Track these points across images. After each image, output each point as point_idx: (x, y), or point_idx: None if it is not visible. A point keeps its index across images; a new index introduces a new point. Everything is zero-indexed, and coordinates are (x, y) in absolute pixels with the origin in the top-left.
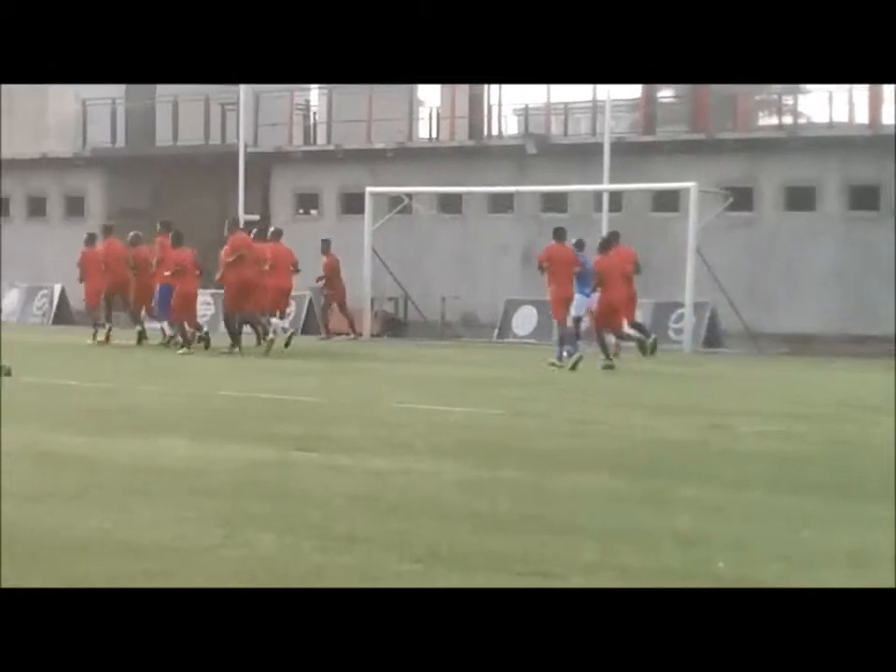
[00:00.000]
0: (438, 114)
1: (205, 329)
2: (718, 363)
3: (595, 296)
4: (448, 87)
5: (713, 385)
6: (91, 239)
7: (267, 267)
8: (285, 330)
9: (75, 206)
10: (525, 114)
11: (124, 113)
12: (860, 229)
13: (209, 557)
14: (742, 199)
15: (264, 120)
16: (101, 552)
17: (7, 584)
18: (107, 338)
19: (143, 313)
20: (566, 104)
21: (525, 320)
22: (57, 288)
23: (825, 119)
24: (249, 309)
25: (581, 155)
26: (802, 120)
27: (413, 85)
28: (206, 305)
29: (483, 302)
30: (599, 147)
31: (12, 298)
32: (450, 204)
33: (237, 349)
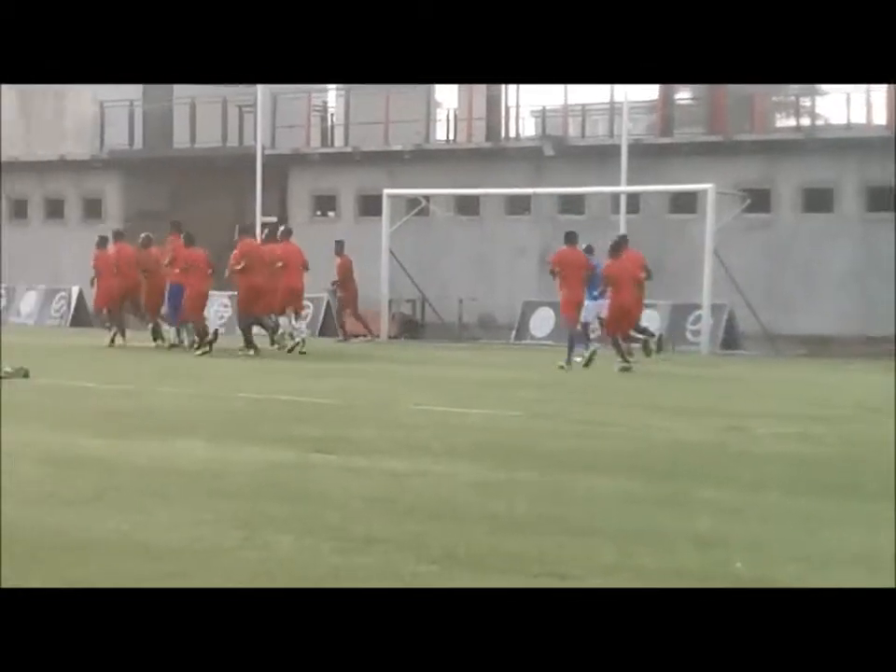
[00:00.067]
0: (455, 116)
1: (215, 329)
2: (735, 365)
3: (604, 301)
4: (465, 88)
5: (731, 387)
6: (102, 241)
7: (280, 265)
8: (292, 337)
9: (92, 208)
10: (543, 115)
11: (142, 115)
12: (877, 230)
13: (227, 559)
14: (759, 200)
15: (282, 122)
16: (119, 553)
17: (24, 585)
18: (112, 341)
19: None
20: (583, 105)
21: (542, 322)
22: (75, 290)
23: (843, 121)
24: (259, 312)
25: (599, 157)
26: (819, 122)
27: (431, 87)
28: (224, 307)
29: (501, 304)
30: (617, 148)
31: (30, 300)
32: (467, 206)
33: (252, 351)
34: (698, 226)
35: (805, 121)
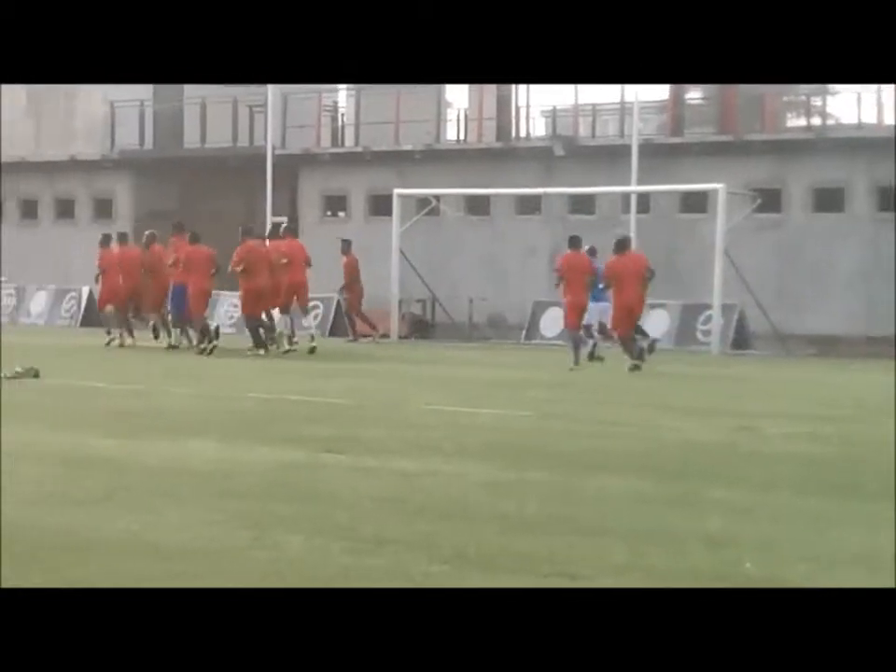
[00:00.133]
0: (465, 116)
1: (215, 325)
2: (746, 365)
3: (607, 304)
4: (476, 88)
5: (741, 387)
6: (105, 240)
7: (285, 261)
8: (290, 341)
9: (103, 208)
10: (553, 115)
11: (152, 115)
12: (888, 230)
13: (238, 559)
14: (770, 200)
15: (292, 122)
16: (129, 553)
17: (33, 585)
18: (109, 343)
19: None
20: (593, 105)
21: (552, 322)
22: (85, 291)
23: (854, 121)
24: (263, 310)
25: (609, 156)
26: (830, 122)
27: (441, 87)
28: (234, 307)
29: (511, 304)
30: (627, 148)
31: (40, 300)
32: (478, 206)
33: (262, 351)
34: (709, 226)
35: (816, 121)
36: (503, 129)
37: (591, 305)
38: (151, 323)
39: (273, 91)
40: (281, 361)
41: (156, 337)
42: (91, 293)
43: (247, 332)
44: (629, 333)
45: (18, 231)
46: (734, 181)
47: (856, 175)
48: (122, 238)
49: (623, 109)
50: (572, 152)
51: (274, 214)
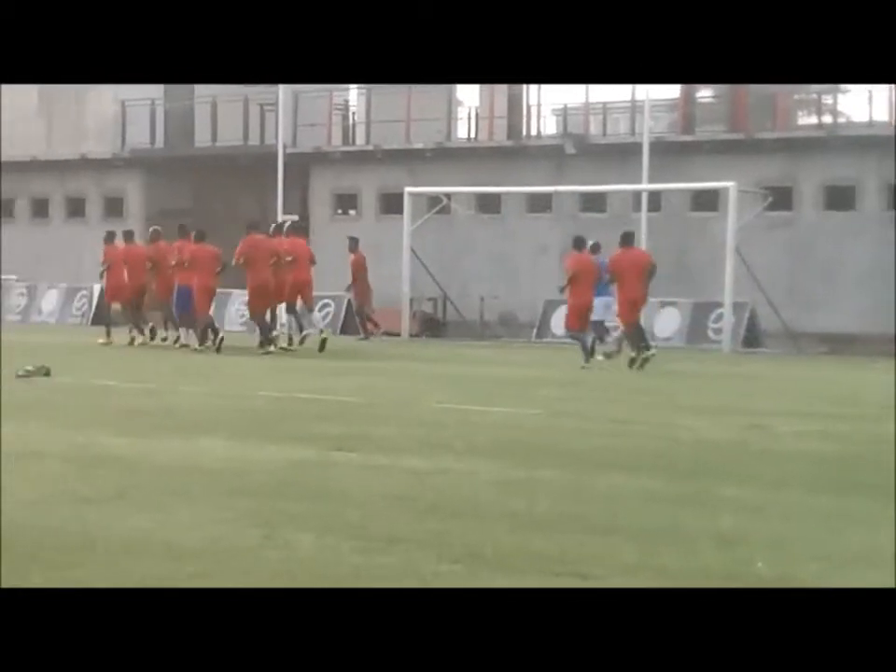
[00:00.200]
0: (476, 114)
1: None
2: (757, 363)
3: (610, 298)
4: (487, 87)
5: (752, 385)
6: (109, 237)
7: (290, 259)
8: (291, 342)
9: (114, 207)
10: (564, 114)
11: (163, 114)
12: None
13: (248, 558)
14: (781, 198)
15: (303, 121)
16: (141, 552)
17: (42, 585)
18: (133, 340)
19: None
20: (604, 104)
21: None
22: (96, 289)
23: (865, 119)
24: (270, 306)
25: (620, 155)
26: (841, 119)
27: (452, 85)
28: (245, 306)
29: (522, 302)
30: (638, 146)
31: (51, 299)
32: (488, 204)
33: (272, 347)
34: (720, 224)
35: (827, 119)
36: (514, 127)
37: (595, 301)
38: (150, 324)
39: (283, 90)
40: (291, 359)
41: (151, 338)
42: (102, 292)
43: (257, 330)
44: (634, 325)
45: (29, 229)
46: (745, 179)
47: (867, 172)
48: (128, 236)
49: (634, 107)
50: (583, 150)
51: (285, 212)
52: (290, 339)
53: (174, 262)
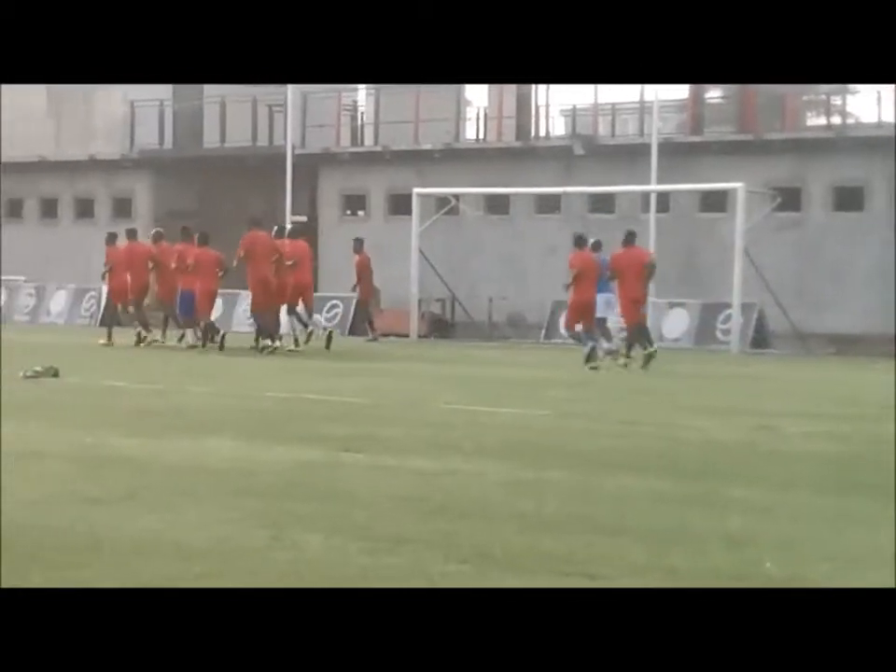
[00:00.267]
0: (485, 115)
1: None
2: (765, 364)
3: (611, 295)
4: (495, 87)
5: (761, 386)
6: (111, 238)
7: (290, 263)
8: (297, 342)
9: (122, 208)
10: (573, 115)
11: (172, 114)
12: None
13: (256, 558)
14: (790, 199)
15: (312, 122)
16: (149, 553)
17: (55, 586)
18: (150, 340)
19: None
20: (613, 104)
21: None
22: (105, 290)
23: (874, 119)
24: (271, 306)
25: (629, 155)
26: (850, 120)
27: (461, 86)
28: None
29: (531, 303)
30: (647, 147)
31: (60, 299)
32: (497, 205)
33: (276, 343)
34: (728, 225)
35: (836, 120)
36: (523, 128)
37: (598, 297)
38: (137, 330)
39: (292, 91)
40: (299, 360)
41: (137, 342)
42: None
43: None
44: (638, 325)
45: (38, 230)
46: (753, 180)
47: (876, 173)
48: (131, 234)
49: (643, 108)
50: (592, 151)
51: (294, 213)
52: (296, 340)
53: (174, 265)
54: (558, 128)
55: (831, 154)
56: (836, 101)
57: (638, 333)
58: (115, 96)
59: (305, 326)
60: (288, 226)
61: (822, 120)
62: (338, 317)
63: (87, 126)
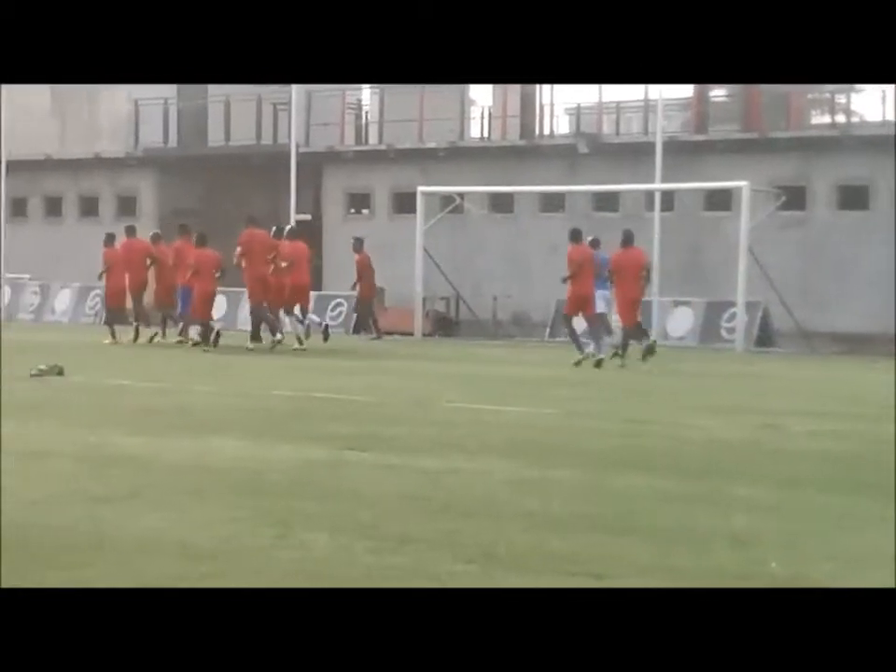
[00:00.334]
0: (489, 113)
1: (216, 328)
2: (770, 362)
3: (607, 293)
4: (500, 86)
5: (765, 385)
6: (109, 239)
7: (285, 264)
8: (301, 342)
9: (127, 206)
10: (577, 113)
11: (176, 113)
12: None
13: (261, 557)
14: (794, 198)
15: (316, 120)
16: (154, 552)
17: (61, 585)
18: (136, 337)
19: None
20: (617, 103)
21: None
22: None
23: (878, 118)
24: (269, 304)
25: (633, 154)
26: (855, 119)
27: (465, 85)
28: None
29: (535, 301)
30: (651, 146)
31: (64, 298)
32: (501, 204)
33: (279, 336)
34: (733, 223)
35: (841, 118)
36: (527, 126)
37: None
38: (136, 324)
39: (296, 89)
40: (304, 359)
41: (135, 339)
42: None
43: (266, 332)
44: (634, 323)
45: (42, 228)
46: (758, 179)
47: (881, 172)
48: (130, 231)
49: (648, 107)
50: (596, 150)
51: (298, 212)
52: (299, 339)
53: (171, 262)
54: (562, 126)
55: (835, 153)
56: (841, 99)
57: (633, 333)
58: (119, 95)
59: (301, 322)
60: (288, 226)
61: (827, 119)
62: (342, 316)
63: (91, 125)
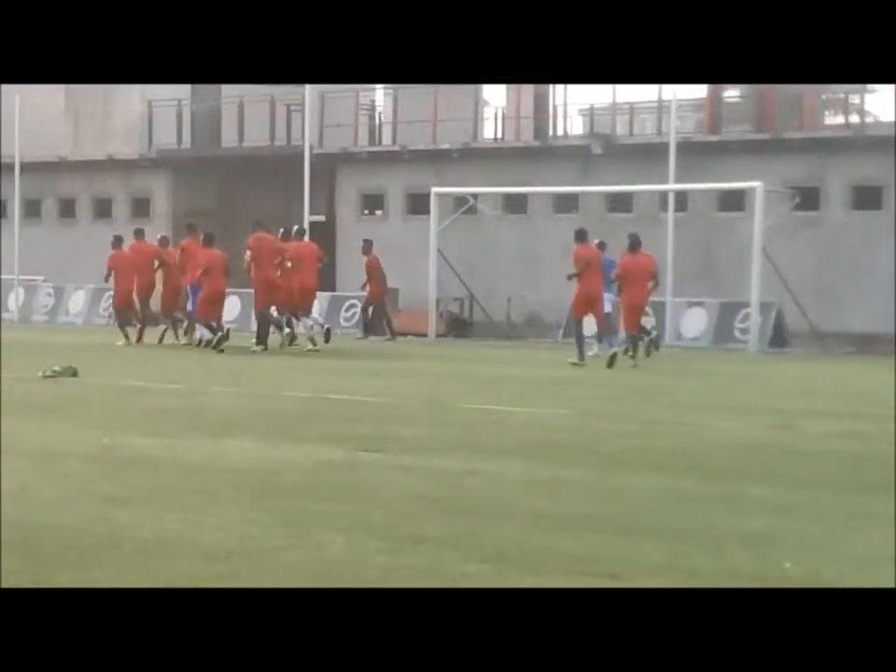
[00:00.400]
0: (503, 114)
1: (227, 328)
2: (784, 363)
3: (612, 295)
4: (513, 87)
5: (779, 385)
6: (117, 241)
7: (290, 265)
8: (314, 343)
9: (140, 207)
10: (591, 114)
11: (190, 114)
12: None
13: (276, 558)
14: (808, 198)
15: (329, 121)
16: (169, 553)
17: (77, 585)
18: (126, 339)
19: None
20: (631, 104)
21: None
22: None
23: (892, 118)
24: (276, 304)
25: (647, 155)
26: (868, 119)
27: (479, 85)
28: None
29: (549, 302)
30: (665, 146)
31: (78, 300)
32: (515, 205)
33: (260, 348)
34: (746, 224)
35: (854, 119)
36: (541, 127)
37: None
38: (138, 326)
39: (310, 90)
40: (318, 360)
41: (138, 339)
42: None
43: (283, 332)
44: (637, 330)
45: (56, 230)
46: (771, 179)
47: (894, 172)
48: (139, 234)
49: (661, 107)
50: (610, 150)
51: (312, 213)
52: (313, 340)
53: (177, 260)
54: (576, 127)
55: (849, 153)
56: (854, 99)
57: (637, 338)
58: (133, 96)
59: (306, 325)
60: (295, 227)
61: (840, 119)
62: (356, 317)
63: (105, 126)
